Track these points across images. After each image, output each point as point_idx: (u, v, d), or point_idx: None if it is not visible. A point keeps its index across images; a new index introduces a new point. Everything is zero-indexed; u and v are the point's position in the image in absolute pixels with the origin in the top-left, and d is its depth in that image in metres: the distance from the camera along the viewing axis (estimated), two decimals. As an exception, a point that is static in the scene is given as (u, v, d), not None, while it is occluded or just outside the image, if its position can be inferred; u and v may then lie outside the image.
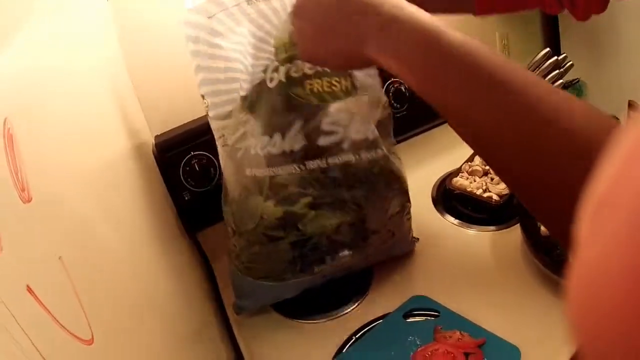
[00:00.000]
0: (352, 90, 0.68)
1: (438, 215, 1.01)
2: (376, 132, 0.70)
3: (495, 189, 0.98)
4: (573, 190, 0.37)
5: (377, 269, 0.88)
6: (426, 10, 0.52)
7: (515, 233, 0.89)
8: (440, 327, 0.76)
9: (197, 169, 0.87)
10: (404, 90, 1.04)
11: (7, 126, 0.33)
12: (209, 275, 0.92)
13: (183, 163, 0.87)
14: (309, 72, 0.65)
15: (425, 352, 0.72)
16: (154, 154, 0.88)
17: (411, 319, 0.79)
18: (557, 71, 1.18)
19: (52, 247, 0.34)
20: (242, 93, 0.66)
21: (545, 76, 1.19)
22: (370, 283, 0.85)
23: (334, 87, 0.67)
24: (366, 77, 0.70)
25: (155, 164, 0.87)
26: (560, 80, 1.18)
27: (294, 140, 0.66)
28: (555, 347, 0.71)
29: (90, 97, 0.60)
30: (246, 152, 0.67)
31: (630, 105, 1.31)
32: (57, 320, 0.30)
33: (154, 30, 0.88)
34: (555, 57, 1.17)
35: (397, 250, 0.87)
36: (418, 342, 0.74)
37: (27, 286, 0.28)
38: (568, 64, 1.20)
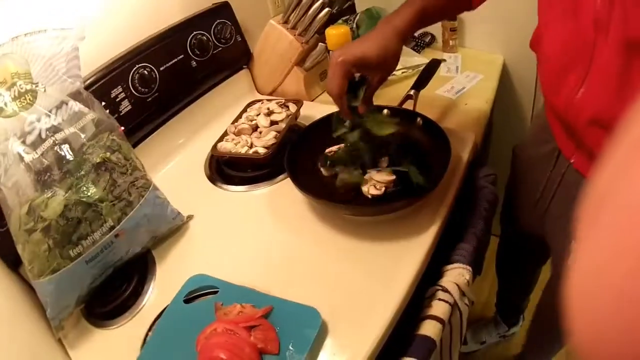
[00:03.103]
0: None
1: (213, 187, 1.07)
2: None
3: (260, 142, 1.02)
4: None
5: (158, 256, 0.92)
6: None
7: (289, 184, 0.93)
8: (221, 303, 0.76)
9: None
10: (146, 73, 1.06)
11: None
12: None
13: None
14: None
15: (204, 335, 0.71)
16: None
17: (194, 302, 0.80)
18: None
19: None
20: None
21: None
22: (155, 271, 0.90)
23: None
24: None
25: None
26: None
27: None
28: (352, 304, 0.77)
29: None
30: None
31: None
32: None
33: None
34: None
35: (162, 228, 0.92)
36: (202, 326, 0.73)
37: None
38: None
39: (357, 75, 0.86)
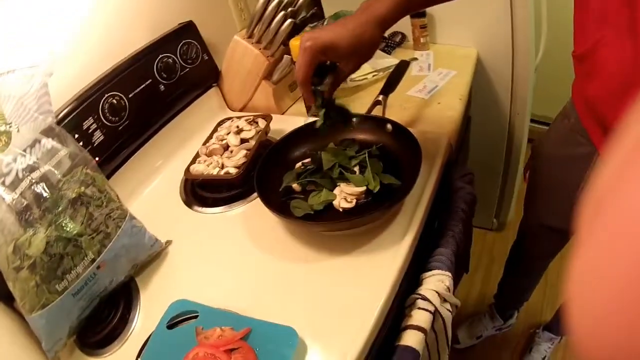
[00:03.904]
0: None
1: (189, 210, 1.09)
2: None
3: (230, 162, 1.02)
4: None
5: (141, 282, 0.95)
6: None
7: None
8: (201, 327, 0.78)
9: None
10: (115, 102, 1.09)
11: None
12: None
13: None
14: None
15: None
16: None
17: (176, 328, 0.81)
18: None
19: None
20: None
21: None
22: (139, 298, 0.93)
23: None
24: None
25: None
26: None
27: None
28: (331, 320, 0.78)
29: None
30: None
31: None
32: None
33: None
34: None
35: (142, 256, 0.95)
36: (185, 350, 0.75)
37: None
38: None
39: None
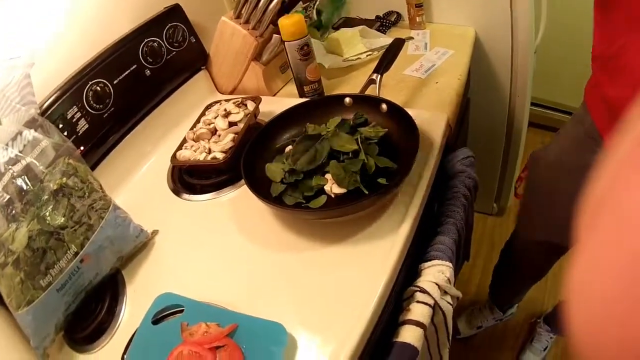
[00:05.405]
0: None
1: (177, 198, 1.05)
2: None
3: (217, 147, 0.97)
4: None
5: (128, 275, 0.92)
6: None
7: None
8: (187, 323, 0.75)
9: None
10: (99, 89, 1.05)
11: None
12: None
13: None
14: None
15: (172, 359, 0.71)
16: None
17: (162, 323, 0.78)
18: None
19: None
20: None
21: None
22: (125, 292, 0.89)
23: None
24: None
25: None
26: None
27: None
28: (324, 314, 0.74)
29: None
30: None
31: None
32: None
33: None
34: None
35: (127, 247, 0.92)
36: (171, 347, 0.72)
37: None
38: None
39: None
